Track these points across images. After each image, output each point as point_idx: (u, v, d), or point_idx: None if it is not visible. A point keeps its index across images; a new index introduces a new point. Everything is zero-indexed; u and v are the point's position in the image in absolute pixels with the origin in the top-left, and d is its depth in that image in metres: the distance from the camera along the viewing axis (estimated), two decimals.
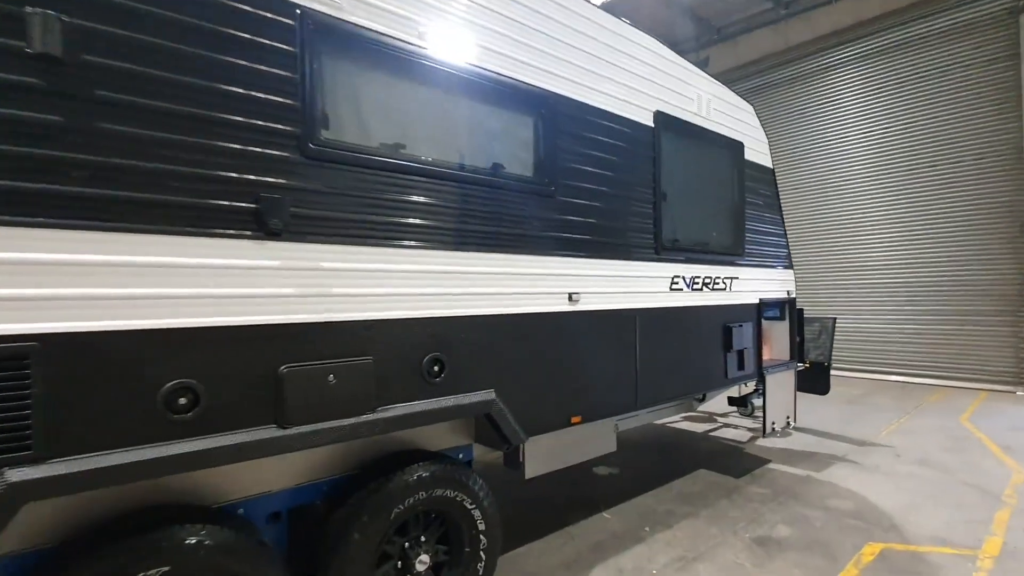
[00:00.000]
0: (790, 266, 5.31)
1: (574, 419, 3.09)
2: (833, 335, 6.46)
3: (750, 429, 6.48)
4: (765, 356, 5.34)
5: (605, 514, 4.09)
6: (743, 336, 4.47)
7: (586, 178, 3.19)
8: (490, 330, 2.66)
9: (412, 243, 2.34)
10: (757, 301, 4.74)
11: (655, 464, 5.37)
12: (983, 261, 9.03)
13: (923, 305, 9.66)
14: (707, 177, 4.26)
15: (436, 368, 2.43)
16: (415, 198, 2.37)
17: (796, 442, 5.91)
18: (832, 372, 6.21)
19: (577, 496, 4.44)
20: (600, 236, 3.26)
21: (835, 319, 6.55)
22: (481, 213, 2.63)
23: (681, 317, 3.88)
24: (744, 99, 4.79)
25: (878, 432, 6.32)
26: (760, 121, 4.98)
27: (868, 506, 4.18)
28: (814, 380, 6.10)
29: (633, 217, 3.52)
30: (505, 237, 2.74)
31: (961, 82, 9.21)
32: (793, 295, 5.31)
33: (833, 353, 6.44)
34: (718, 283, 4.27)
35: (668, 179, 3.81)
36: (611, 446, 3.65)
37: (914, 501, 4.27)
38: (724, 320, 4.32)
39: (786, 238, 5.25)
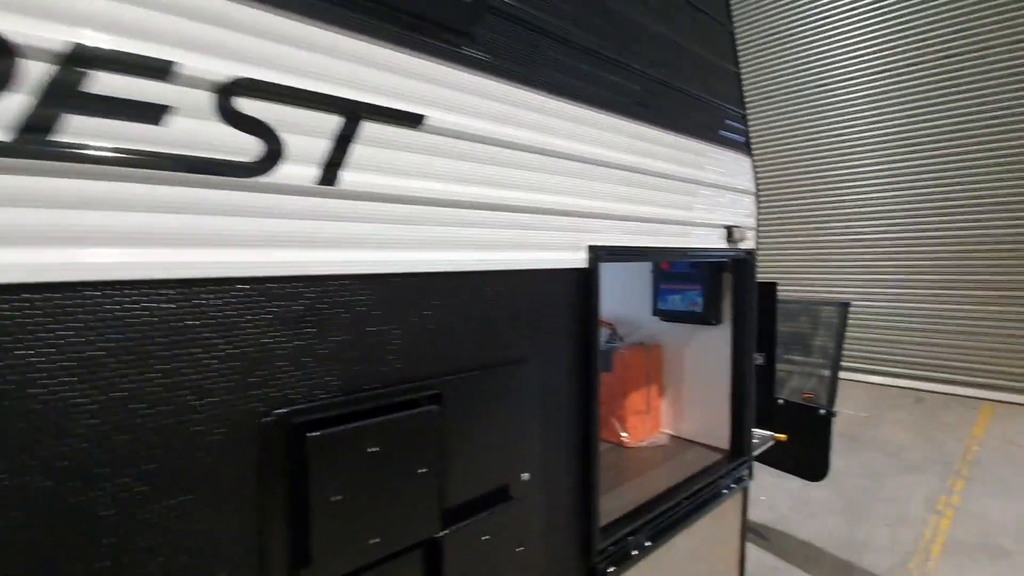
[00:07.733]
0: (746, 150, 1.69)
1: None
2: (843, 337, 2.98)
3: None
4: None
5: None
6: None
7: None
8: None
9: None
10: (584, 254, 1.14)
11: None
12: None
13: (953, 277, 6.19)
14: None
15: None
16: None
17: None
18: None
19: None
20: None
21: (848, 304, 3.05)
22: None
23: None
24: None
25: (920, 536, 2.91)
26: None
27: None
28: (802, 450, 2.63)
29: None
30: None
31: None
32: (750, 243, 1.71)
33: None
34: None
35: None
36: None
37: None
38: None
39: (734, 54, 1.62)
